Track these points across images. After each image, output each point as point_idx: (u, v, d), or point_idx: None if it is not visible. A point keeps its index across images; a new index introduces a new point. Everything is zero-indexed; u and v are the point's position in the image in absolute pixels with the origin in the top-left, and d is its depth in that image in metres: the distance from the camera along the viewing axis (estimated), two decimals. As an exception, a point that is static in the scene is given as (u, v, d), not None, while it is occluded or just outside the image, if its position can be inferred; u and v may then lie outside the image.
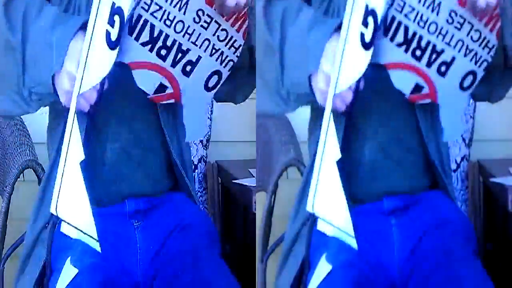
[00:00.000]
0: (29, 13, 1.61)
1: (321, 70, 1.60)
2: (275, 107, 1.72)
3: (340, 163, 1.62)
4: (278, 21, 1.66)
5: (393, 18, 1.59)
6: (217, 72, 1.66)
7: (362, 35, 1.57)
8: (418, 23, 1.59)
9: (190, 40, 1.62)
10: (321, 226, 1.69)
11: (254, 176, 2.33)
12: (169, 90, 1.65)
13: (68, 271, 1.64)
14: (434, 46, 1.60)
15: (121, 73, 1.60)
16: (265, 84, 1.71)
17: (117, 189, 1.71)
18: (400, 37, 1.60)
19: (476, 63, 1.63)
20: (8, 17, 1.61)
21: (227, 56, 1.66)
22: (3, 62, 1.64)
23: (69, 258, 1.65)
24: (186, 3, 1.60)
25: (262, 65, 1.70)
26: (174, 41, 1.61)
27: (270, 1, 1.68)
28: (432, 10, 1.59)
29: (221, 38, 1.64)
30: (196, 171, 2.50)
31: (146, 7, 1.58)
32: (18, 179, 2.04)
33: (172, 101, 1.66)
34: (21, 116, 2.31)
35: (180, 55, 1.63)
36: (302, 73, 1.62)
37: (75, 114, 1.59)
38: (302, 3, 1.67)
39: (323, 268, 1.66)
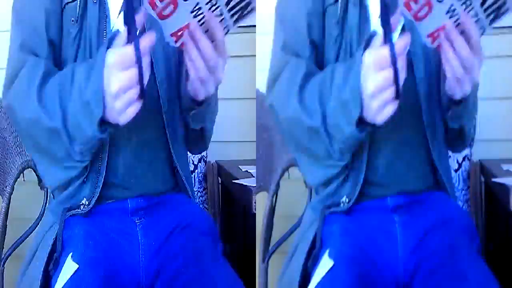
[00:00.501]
0: (64, 94, 1.60)
1: (368, 95, 1.52)
2: (330, 170, 1.71)
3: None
4: (316, 102, 1.63)
5: None
6: None
7: None
8: None
9: None
10: None
11: (254, 176, 2.33)
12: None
13: (69, 267, 1.63)
14: None
15: None
16: (316, 160, 1.70)
17: (125, 192, 1.73)
18: None
19: None
20: (45, 108, 1.61)
21: None
22: (51, 147, 1.65)
23: (70, 254, 1.65)
24: None
25: (310, 147, 1.68)
26: None
27: (304, 88, 1.67)
28: None
29: None
30: (196, 171, 2.49)
31: None
32: (18, 179, 2.03)
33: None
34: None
35: None
36: (348, 124, 1.57)
37: None
38: (331, 70, 1.64)
39: (325, 264, 1.65)
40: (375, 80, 1.49)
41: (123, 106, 1.51)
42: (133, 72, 1.48)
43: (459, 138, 1.79)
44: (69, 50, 1.71)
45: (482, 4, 1.54)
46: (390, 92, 1.50)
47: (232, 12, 1.57)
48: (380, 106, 1.51)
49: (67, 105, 1.59)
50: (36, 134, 1.65)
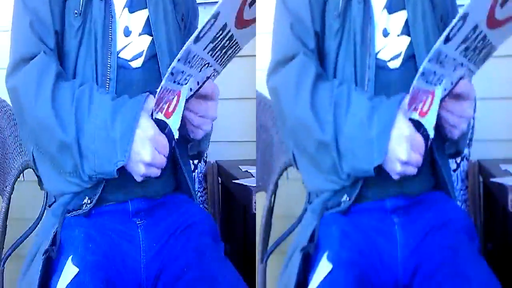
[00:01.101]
0: (81, 111, 1.64)
1: (397, 158, 1.62)
2: (332, 184, 1.73)
3: None
4: (330, 114, 1.66)
5: None
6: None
7: None
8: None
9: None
10: None
11: (254, 176, 2.33)
12: None
13: (69, 270, 1.63)
14: None
15: (136, 81, 1.71)
16: (318, 169, 1.73)
17: (127, 195, 1.74)
18: None
19: None
20: (59, 118, 1.64)
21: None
22: (59, 158, 1.67)
23: (70, 257, 1.65)
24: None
25: (316, 157, 1.71)
26: None
27: (316, 93, 1.69)
28: None
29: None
30: (196, 171, 2.49)
31: None
32: (18, 179, 2.03)
33: None
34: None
35: None
36: (367, 163, 1.64)
37: None
38: (348, 88, 1.68)
39: (324, 267, 1.65)
40: (406, 152, 1.61)
41: (144, 173, 1.64)
42: (164, 159, 1.64)
43: (453, 156, 1.83)
44: (72, 42, 1.72)
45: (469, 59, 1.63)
46: (414, 170, 1.64)
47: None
48: (400, 172, 1.64)
49: (83, 121, 1.63)
50: (44, 137, 1.67)
